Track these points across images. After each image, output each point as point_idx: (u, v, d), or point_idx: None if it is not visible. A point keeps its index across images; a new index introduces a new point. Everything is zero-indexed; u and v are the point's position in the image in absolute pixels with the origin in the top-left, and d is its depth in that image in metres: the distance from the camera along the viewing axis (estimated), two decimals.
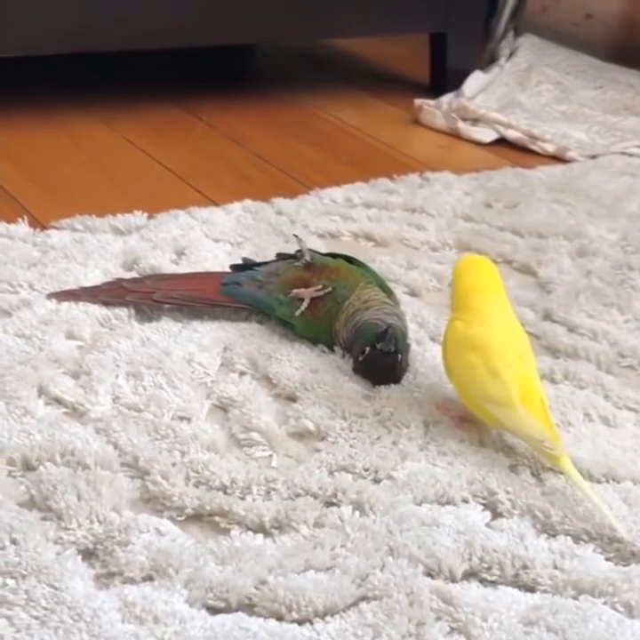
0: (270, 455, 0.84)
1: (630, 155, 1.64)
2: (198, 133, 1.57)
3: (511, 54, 2.06)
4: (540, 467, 0.85)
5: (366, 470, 0.82)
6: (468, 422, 0.89)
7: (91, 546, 0.72)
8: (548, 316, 1.11)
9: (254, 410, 0.88)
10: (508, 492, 0.81)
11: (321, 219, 1.28)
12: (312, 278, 1.01)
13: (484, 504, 0.81)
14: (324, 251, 1.09)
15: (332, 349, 0.98)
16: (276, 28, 1.68)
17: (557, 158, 1.64)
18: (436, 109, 1.74)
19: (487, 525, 0.78)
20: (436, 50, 1.89)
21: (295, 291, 1.00)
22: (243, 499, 0.78)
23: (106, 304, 1.02)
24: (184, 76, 1.85)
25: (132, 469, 0.80)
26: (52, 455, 0.79)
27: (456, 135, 1.70)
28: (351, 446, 0.85)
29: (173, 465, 0.80)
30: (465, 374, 0.86)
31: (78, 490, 0.75)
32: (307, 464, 0.82)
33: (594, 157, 1.64)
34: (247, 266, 1.09)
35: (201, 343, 0.97)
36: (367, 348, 0.92)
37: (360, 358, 0.94)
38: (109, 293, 1.04)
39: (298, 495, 0.78)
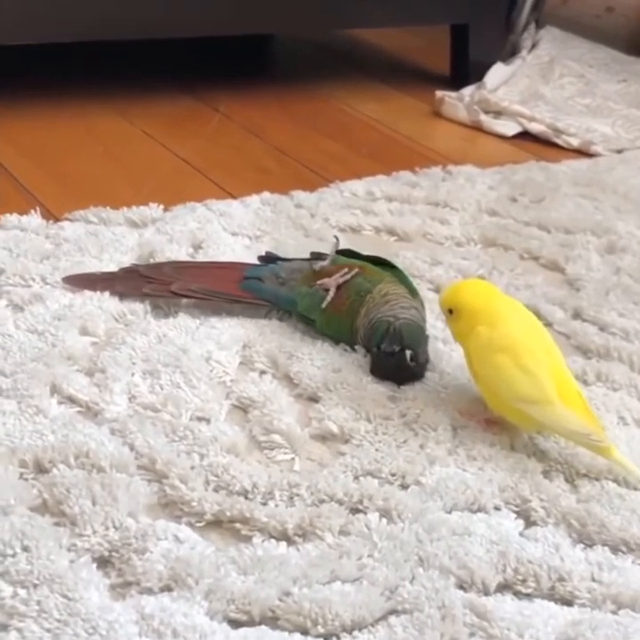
0: (292, 458, 0.81)
1: None
2: (215, 125, 1.54)
3: (533, 46, 2.02)
4: (574, 473, 0.81)
5: (393, 475, 0.78)
6: (495, 425, 0.85)
7: (106, 553, 0.68)
8: (577, 315, 1.07)
9: (275, 411, 0.84)
10: (541, 500, 0.77)
11: (341, 212, 1.24)
12: (337, 272, 0.98)
13: (516, 512, 0.77)
14: (350, 247, 1.06)
15: (353, 348, 0.95)
16: (294, 19, 1.64)
17: (582, 152, 1.60)
18: (457, 102, 1.70)
19: (521, 534, 0.75)
20: (457, 41, 1.85)
21: (320, 281, 0.97)
22: (265, 504, 0.74)
23: (121, 296, 0.98)
24: (200, 66, 1.82)
25: (149, 473, 0.76)
26: (65, 457, 0.75)
27: (478, 128, 1.66)
28: (377, 450, 0.81)
29: (192, 468, 0.76)
30: (494, 377, 0.83)
31: (93, 494, 0.72)
32: (331, 468, 0.79)
33: (619, 152, 1.60)
34: (272, 259, 1.06)
35: (219, 341, 0.93)
36: (375, 349, 0.90)
37: (371, 360, 0.91)
38: (126, 283, 1.01)
39: (322, 501, 0.75)
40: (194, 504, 0.73)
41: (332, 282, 0.96)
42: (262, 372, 0.91)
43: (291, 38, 2.02)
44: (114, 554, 0.68)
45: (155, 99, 1.59)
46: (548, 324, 1.05)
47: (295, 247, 1.12)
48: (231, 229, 1.16)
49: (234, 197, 1.26)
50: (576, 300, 1.09)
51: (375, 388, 0.89)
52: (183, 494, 0.73)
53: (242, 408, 0.86)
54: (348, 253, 1.03)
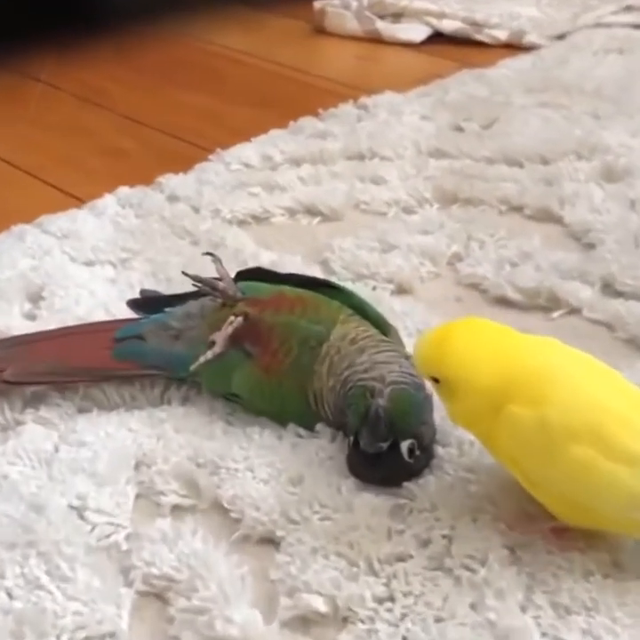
0: None
1: (608, 25, 1.27)
2: (37, 100, 1.14)
3: None
4: None
5: None
6: (570, 536, 0.51)
7: None
8: (609, 287, 0.74)
9: (213, 596, 0.49)
10: None
11: (235, 195, 0.88)
12: (262, 314, 0.61)
13: None
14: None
15: (311, 428, 0.59)
16: None
17: (514, 46, 1.26)
18: (343, 10, 1.36)
19: None
20: None
21: (211, 337, 0.61)
22: None
23: None
24: (7, 26, 1.40)
25: None
26: None
27: (376, 39, 1.32)
28: (405, 636, 0.47)
29: None
30: (574, 483, 0.48)
31: None
32: None
33: (561, 38, 1.26)
34: (153, 301, 0.69)
35: (95, 470, 0.57)
36: (351, 439, 0.56)
37: (349, 455, 0.57)
38: None
39: None
40: None
41: (220, 335, 0.61)
42: (176, 509, 0.55)
43: None
44: None
45: None
46: (576, 311, 0.72)
47: (181, 266, 0.74)
48: (83, 258, 0.79)
49: (80, 202, 0.89)
50: (599, 265, 0.75)
51: (365, 500, 0.54)
52: None
53: (156, 594, 0.50)
54: (260, 274, 0.67)
